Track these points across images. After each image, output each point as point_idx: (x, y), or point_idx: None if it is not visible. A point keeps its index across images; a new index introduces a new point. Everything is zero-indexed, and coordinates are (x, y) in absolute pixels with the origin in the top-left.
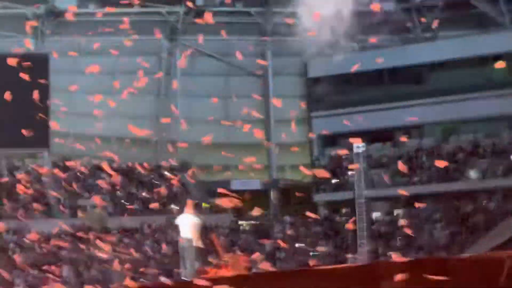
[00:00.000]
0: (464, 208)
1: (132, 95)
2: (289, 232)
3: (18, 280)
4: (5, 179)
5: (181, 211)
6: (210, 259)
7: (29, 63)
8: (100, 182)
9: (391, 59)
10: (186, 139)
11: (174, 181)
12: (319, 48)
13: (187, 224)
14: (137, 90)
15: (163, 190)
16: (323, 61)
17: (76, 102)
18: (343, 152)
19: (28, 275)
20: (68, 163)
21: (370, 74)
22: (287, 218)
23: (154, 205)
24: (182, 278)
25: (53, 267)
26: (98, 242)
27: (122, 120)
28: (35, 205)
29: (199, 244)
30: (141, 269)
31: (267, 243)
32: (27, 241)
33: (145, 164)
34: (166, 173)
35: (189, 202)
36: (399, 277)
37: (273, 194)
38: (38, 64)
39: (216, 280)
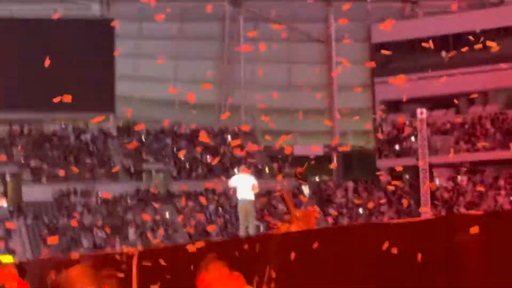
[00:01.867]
0: None
1: (196, 59)
2: (351, 197)
3: (85, 241)
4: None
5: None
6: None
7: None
8: (164, 146)
9: (456, 25)
10: (249, 104)
11: (237, 146)
12: (383, 13)
13: (245, 185)
14: (201, 55)
15: (226, 155)
16: (388, 26)
17: (141, 67)
18: (406, 118)
19: (95, 236)
20: (132, 127)
21: (435, 40)
22: (350, 184)
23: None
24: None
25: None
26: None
27: (186, 84)
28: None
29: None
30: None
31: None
32: (94, 203)
33: (209, 129)
34: (229, 137)
35: (243, 166)
36: (474, 229)
37: (335, 160)
38: (104, 30)
39: (284, 235)
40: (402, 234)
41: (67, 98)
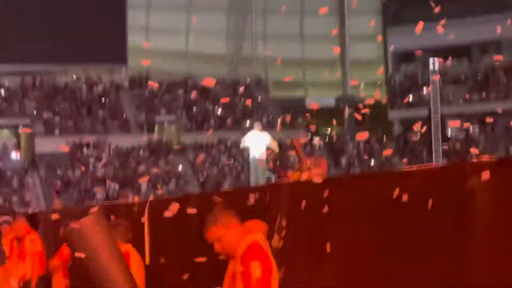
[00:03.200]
0: None
1: (208, 10)
2: (363, 148)
3: (98, 192)
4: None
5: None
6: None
7: None
8: (176, 98)
9: None
10: (261, 55)
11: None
12: None
13: (258, 143)
14: (213, 6)
15: (238, 106)
16: None
17: (153, 18)
18: (418, 68)
19: (108, 188)
20: (145, 79)
21: None
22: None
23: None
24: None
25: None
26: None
27: (198, 36)
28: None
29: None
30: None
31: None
32: (106, 155)
33: (221, 81)
34: (241, 89)
35: (258, 123)
36: (486, 175)
37: (347, 111)
38: None
39: (297, 184)
40: (412, 181)
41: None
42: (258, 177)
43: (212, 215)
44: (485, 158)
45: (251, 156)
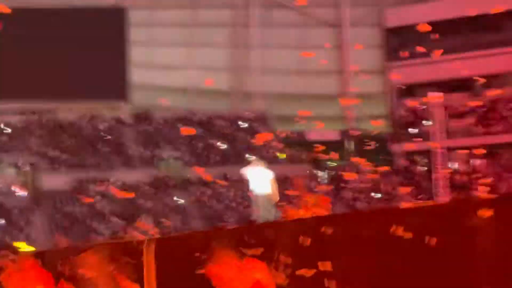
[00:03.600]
0: None
1: (209, 46)
2: (365, 181)
3: (101, 227)
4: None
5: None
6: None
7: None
8: (179, 133)
9: (470, 7)
10: (263, 90)
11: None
12: None
13: (261, 178)
14: (214, 42)
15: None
16: (401, 10)
17: (155, 55)
18: (420, 102)
19: (110, 223)
20: (147, 115)
21: (449, 23)
22: (364, 168)
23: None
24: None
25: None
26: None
27: (199, 72)
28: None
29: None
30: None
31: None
32: (108, 190)
33: (223, 116)
34: (244, 124)
35: (259, 159)
36: (486, 213)
37: (349, 145)
38: (117, 18)
39: (297, 221)
40: (414, 219)
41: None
42: (265, 213)
43: (211, 252)
44: (485, 195)
45: (255, 192)
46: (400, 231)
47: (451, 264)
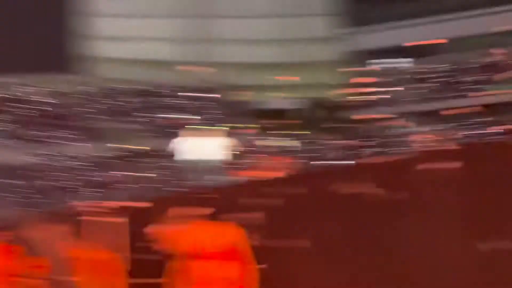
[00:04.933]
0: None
1: (168, 16)
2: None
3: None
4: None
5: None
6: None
7: None
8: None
9: None
10: (221, 59)
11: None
12: None
13: (194, 147)
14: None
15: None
16: None
17: (113, 27)
18: (373, 68)
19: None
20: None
21: None
22: (325, 136)
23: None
24: None
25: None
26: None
27: (150, 43)
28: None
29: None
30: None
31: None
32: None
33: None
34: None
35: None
36: (453, 163)
37: (309, 113)
38: None
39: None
40: (375, 174)
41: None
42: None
43: (168, 216)
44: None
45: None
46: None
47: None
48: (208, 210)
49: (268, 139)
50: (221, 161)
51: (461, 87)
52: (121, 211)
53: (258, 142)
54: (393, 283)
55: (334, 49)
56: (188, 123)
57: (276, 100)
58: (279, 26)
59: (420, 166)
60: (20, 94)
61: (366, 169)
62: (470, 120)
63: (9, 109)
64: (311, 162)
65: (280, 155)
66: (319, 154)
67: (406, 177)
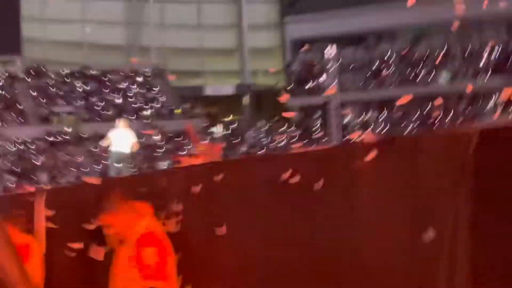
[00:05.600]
0: (434, 111)
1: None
2: (262, 137)
3: None
4: None
5: (155, 116)
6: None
7: None
8: (73, 89)
9: None
10: (158, 44)
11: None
12: None
13: (123, 139)
14: None
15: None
16: None
17: (49, 8)
18: (316, 57)
19: (4, 181)
20: (41, 70)
21: None
22: (261, 123)
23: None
24: None
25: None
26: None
27: (95, 26)
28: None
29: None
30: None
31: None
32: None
33: (119, 70)
34: (139, 78)
35: (124, 120)
36: (371, 155)
37: (246, 100)
38: None
39: (190, 168)
40: (301, 163)
41: None
42: (120, 170)
43: (104, 202)
44: (369, 138)
45: (113, 151)
46: (289, 175)
47: (335, 206)
48: (122, 197)
49: (204, 125)
50: (142, 150)
51: (394, 77)
52: (40, 193)
53: (195, 128)
54: (303, 272)
55: (274, 36)
56: (126, 109)
57: (215, 87)
58: (223, 12)
59: (344, 156)
60: None
61: (287, 158)
62: (401, 111)
63: None
64: (242, 149)
65: (214, 141)
66: (253, 141)
67: (329, 166)
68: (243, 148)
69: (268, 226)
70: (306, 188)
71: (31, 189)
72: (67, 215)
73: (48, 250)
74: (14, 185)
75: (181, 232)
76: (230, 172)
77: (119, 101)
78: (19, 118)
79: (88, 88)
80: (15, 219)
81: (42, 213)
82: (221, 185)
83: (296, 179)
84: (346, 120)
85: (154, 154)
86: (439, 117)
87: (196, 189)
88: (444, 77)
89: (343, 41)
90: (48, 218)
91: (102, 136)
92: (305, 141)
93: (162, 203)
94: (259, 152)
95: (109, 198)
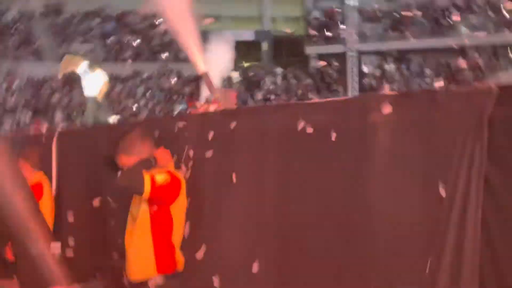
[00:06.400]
0: (454, 63)
1: None
2: (280, 83)
3: (8, 120)
4: None
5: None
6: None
7: None
8: (90, 28)
9: None
10: None
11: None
12: None
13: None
14: None
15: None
16: None
17: None
18: (336, 5)
19: (18, 118)
20: (59, 8)
21: None
22: (279, 70)
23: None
24: None
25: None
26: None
27: None
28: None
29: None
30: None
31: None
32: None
33: (138, 12)
34: (158, 21)
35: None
36: (388, 109)
37: (264, 46)
38: None
39: (205, 114)
40: (317, 113)
41: None
42: (95, 116)
43: (124, 143)
44: (388, 91)
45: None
46: (304, 125)
47: (349, 158)
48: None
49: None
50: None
51: (415, 29)
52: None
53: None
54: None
55: None
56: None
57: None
58: None
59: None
60: None
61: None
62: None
63: None
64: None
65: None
66: (270, 88)
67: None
68: (259, 96)
69: (282, 175)
70: (321, 139)
71: (44, 128)
72: (79, 155)
73: (59, 189)
74: (28, 121)
75: (193, 177)
76: (244, 120)
77: (136, 43)
78: (34, 55)
79: (106, 28)
80: (28, 156)
81: (53, 153)
82: (235, 133)
83: (311, 129)
84: (364, 71)
85: (171, 97)
86: (459, 71)
87: (210, 135)
88: (464, 29)
89: None
90: (59, 158)
91: (117, 77)
92: (322, 91)
93: (175, 148)
94: (275, 100)
95: (130, 139)
